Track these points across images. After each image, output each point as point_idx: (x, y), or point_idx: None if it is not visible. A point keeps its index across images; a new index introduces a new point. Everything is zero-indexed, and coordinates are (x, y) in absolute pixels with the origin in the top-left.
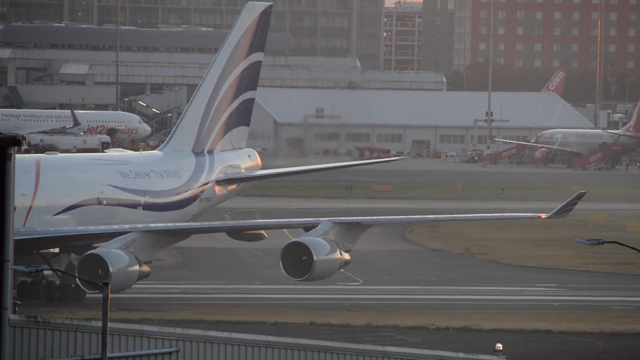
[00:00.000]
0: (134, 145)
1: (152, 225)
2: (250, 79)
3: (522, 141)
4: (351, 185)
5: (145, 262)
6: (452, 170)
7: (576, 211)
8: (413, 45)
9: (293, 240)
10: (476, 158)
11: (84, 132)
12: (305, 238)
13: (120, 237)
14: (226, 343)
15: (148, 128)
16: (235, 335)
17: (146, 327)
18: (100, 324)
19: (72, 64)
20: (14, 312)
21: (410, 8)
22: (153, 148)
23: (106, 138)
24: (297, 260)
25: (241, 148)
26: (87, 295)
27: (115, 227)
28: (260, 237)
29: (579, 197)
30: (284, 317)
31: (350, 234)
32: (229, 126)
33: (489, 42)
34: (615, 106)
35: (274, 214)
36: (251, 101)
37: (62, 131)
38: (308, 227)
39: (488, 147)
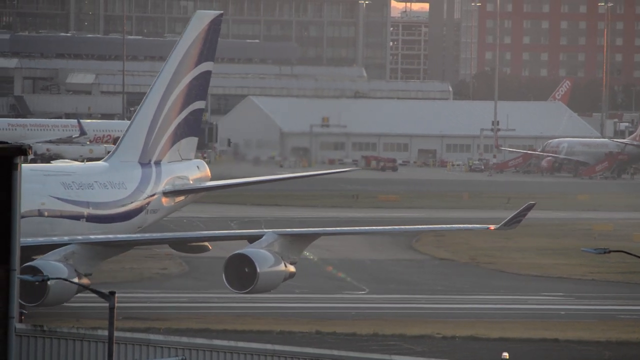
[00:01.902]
0: None
1: (92, 237)
2: (199, 88)
3: (529, 150)
4: (358, 194)
5: (85, 275)
6: (459, 179)
7: (582, 220)
8: (419, 55)
9: (236, 252)
10: (482, 167)
11: (90, 141)
12: (249, 250)
13: (59, 249)
14: (232, 352)
15: None
16: (241, 344)
17: (152, 336)
18: (106, 333)
19: (79, 74)
20: (20, 321)
21: (417, 17)
22: None
23: (112, 147)
24: (241, 272)
25: (190, 159)
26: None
27: (54, 238)
28: (204, 249)
29: (529, 207)
30: (289, 326)
31: (295, 246)
32: (177, 137)
33: (495, 52)
34: (622, 115)
35: (280, 223)
36: (200, 111)
37: (69, 141)
38: (252, 239)
39: (494, 156)
